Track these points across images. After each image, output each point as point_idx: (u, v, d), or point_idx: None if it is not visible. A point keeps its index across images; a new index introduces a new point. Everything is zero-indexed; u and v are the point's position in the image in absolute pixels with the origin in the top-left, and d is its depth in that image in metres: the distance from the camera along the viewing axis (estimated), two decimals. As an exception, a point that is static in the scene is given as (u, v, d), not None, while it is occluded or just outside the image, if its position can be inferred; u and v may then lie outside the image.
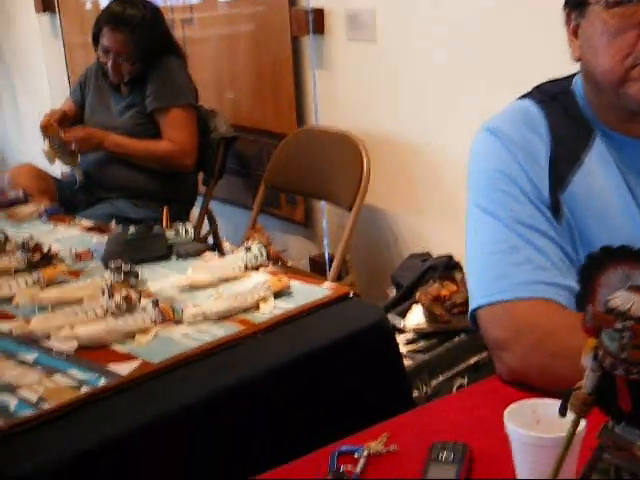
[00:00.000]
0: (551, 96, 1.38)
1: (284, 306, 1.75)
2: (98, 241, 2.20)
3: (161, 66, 3.00)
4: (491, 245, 1.31)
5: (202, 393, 1.48)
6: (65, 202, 2.84)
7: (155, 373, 1.52)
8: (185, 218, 3.17)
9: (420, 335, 2.16)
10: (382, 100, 2.77)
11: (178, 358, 1.56)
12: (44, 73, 4.34)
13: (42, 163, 3.00)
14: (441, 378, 2.12)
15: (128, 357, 1.58)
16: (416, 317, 2.19)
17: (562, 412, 0.81)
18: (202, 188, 3.22)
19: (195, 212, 3.16)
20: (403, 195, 2.78)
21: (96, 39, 3.00)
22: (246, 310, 1.74)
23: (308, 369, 1.59)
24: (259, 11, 3.13)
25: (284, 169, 2.96)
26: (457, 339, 2.16)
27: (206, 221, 3.22)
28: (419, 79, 2.64)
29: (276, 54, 3.09)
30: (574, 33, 1.30)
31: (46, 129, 2.88)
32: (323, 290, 1.81)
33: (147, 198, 3.04)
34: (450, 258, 2.29)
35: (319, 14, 2.89)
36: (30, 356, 1.61)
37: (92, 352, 1.61)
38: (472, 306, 1.31)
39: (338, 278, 2.67)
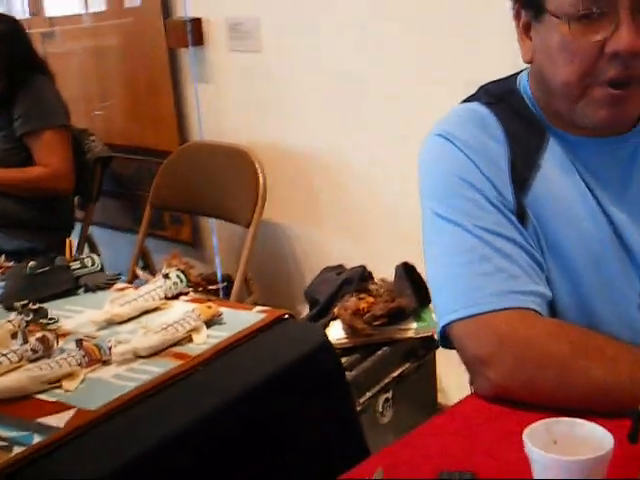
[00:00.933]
0: (498, 97, 1.34)
1: (218, 334, 1.64)
2: (-11, 279, 2.00)
3: (28, 85, 2.79)
4: (458, 256, 1.25)
5: (150, 441, 1.35)
6: None
7: (95, 422, 1.38)
8: (62, 246, 2.96)
9: (342, 351, 2.10)
10: (271, 111, 2.70)
11: (117, 403, 1.42)
12: None
13: None
14: (368, 394, 2.07)
15: (59, 406, 1.42)
16: (336, 332, 2.13)
17: (633, 439, 0.76)
18: (78, 213, 3.03)
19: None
20: (301, 207, 2.71)
21: None
22: (178, 343, 1.62)
23: (263, 399, 1.49)
24: (129, 23, 2.98)
25: (170, 188, 2.83)
26: (380, 352, 2.12)
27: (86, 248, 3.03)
28: (310, 88, 2.58)
29: (151, 67, 2.95)
30: (525, 31, 1.27)
31: None
32: (256, 314, 1.72)
33: (20, 227, 2.82)
34: (364, 269, 2.24)
35: (197, 24, 2.78)
36: None
37: (13, 405, 1.44)
38: (442, 322, 1.24)
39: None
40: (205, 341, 1.62)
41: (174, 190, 2.83)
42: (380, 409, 2.07)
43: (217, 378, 1.51)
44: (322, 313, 2.19)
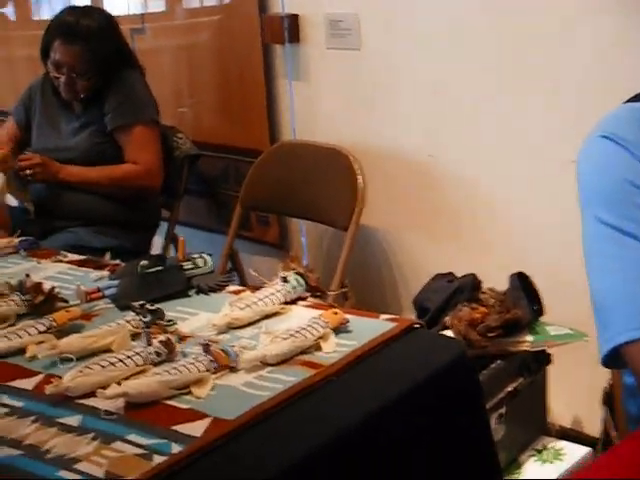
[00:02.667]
0: None
1: (347, 343, 1.57)
2: (97, 276, 1.95)
3: (120, 80, 2.75)
4: (633, 270, 1.16)
5: (295, 453, 1.28)
6: (18, 233, 2.53)
7: (234, 432, 1.31)
8: (148, 245, 2.93)
9: (454, 362, 2.01)
10: (368, 111, 2.62)
11: (254, 412, 1.35)
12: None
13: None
14: (482, 408, 1.98)
15: (193, 414, 1.36)
16: (447, 343, 2.04)
17: None
18: (163, 211, 2.98)
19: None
20: (398, 212, 2.63)
21: (45, 52, 2.72)
22: (306, 350, 1.54)
23: (398, 415, 1.41)
24: (223, 19, 2.92)
25: (261, 188, 2.76)
26: (494, 366, 2.02)
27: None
28: (409, 87, 2.50)
29: (243, 64, 2.89)
30: None
31: (4, 163, 2.57)
32: (384, 323, 1.63)
33: (109, 225, 2.77)
34: (474, 277, 2.15)
35: (294, 20, 2.71)
36: (73, 420, 1.36)
37: (144, 410, 1.38)
38: (615, 341, 1.15)
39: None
40: (334, 349, 1.54)
41: (265, 190, 2.76)
42: (493, 425, 1.98)
43: (351, 390, 1.44)
44: (432, 322, 2.10)
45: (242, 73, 2.90)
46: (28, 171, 2.63)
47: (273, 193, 2.74)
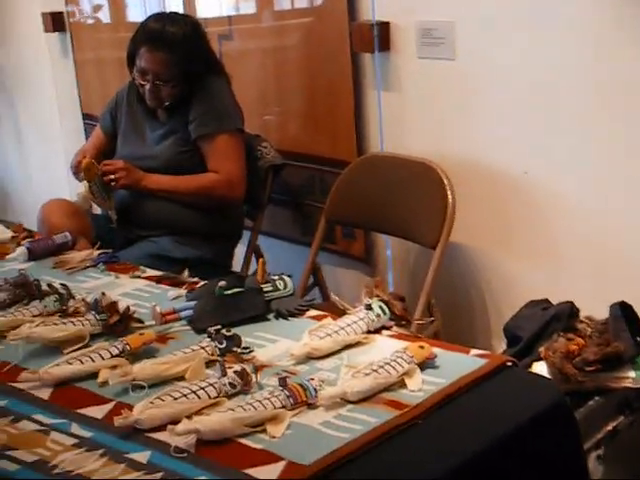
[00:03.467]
0: None
1: (434, 381, 1.46)
2: (174, 295, 1.89)
3: (205, 88, 2.69)
4: None
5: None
6: (101, 241, 2.50)
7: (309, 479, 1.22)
8: (229, 256, 2.86)
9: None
10: (461, 124, 2.49)
11: (333, 458, 1.25)
12: (52, 97, 4.00)
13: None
14: (578, 449, 1.84)
15: (267, 456, 1.27)
16: (541, 376, 1.90)
17: None
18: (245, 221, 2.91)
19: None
20: (489, 231, 2.49)
21: (131, 59, 2.68)
22: (389, 387, 1.44)
23: (488, 465, 1.30)
24: (311, 22, 2.84)
25: (347, 201, 2.66)
26: (592, 402, 1.88)
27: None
28: (506, 100, 2.36)
29: (331, 72, 2.79)
30: None
31: (88, 171, 2.54)
32: (474, 359, 1.52)
33: (190, 235, 2.71)
34: (572, 305, 2.01)
35: (385, 28, 2.61)
36: (141, 456, 1.30)
37: (216, 449, 1.30)
38: None
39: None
40: (420, 388, 1.44)
41: (350, 204, 2.66)
42: (591, 467, 1.84)
43: (439, 435, 1.33)
44: (524, 352, 1.97)
45: (330, 81, 2.81)
46: (112, 176, 2.59)
47: (359, 207, 2.64)
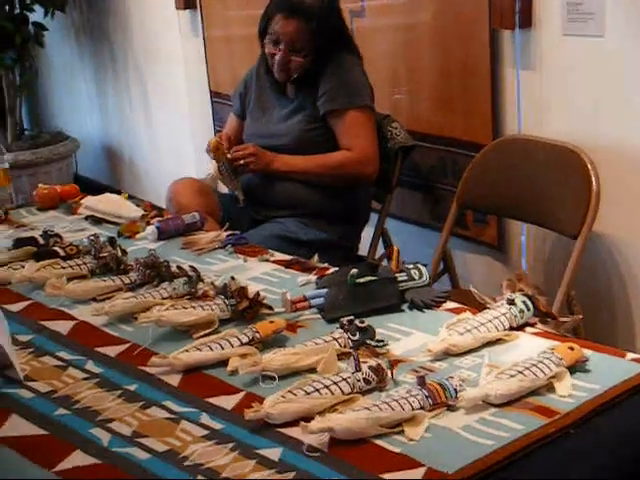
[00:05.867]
0: None
1: (586, 386, 1.34)
2: (304, 281, 1.83)
3: (336, 64, 2.61)
4: None
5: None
6: (229, 221, 2.47)
7: (451, 489, 1.13)
8: (355, 239, 2.79)
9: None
10: (609, 107, 2.32)
11: (478, 467, 1.16)
12: (180, 75, 4.01)
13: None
14: None
15: (406, 462, 1.19)
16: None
17: None
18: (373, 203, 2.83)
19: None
20: (637, 221, 2.33)
21: (263, 31, 2.63)
22: (535, 391, 1.34)
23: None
24: (448, -1, 2.71)
25: (480, 186, 2.53)
26: None
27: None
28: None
29: (467, 49, 2.66)
30: None
31: (217, 151, 2.53)
32: (631, 365, 1.39)
33: (317, 217, 2.65)
34: None
35: (527, 3, 2.46)
36: (272, 452, 1.24)
37: (350, 449, 1.23)
38: None
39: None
40: (570, 393, 1.32)
41: (484, 189, 2.53)
42: None
43: (592, 448, 1.22)
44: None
45: (466, 59, 2.67)
46: (242, 161, 2.56)
47: (493, 192, 2.51)
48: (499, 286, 1.67)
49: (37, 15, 4.40)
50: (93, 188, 3.16)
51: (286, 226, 2.62)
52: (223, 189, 2.84)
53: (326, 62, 2.60)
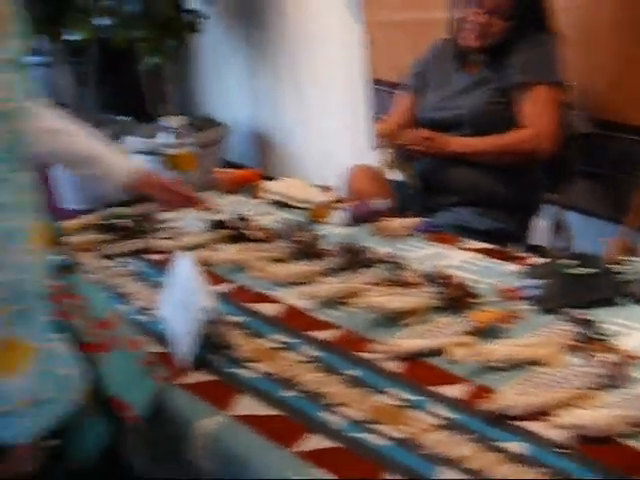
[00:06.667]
0: None
1: None
2: (511, 271, 1.77)
3: (532, 39, 2.50)
4: None
5: None
6: (400, 208, 2.43)
7: None
8: (528, 228, 2.70)
9: None
10: None
11: None
12: (336, 59, 3.98)
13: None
14: None
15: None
16: None
17: None
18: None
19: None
20: None
21: None
22: None
23: None
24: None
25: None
26: None
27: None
28: None
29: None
30: None
31: (388, 137, 2.49)
32: None
33: (491, 205, 2.57)
34: None
35: None
36: (514, 446, 1.20)
37: (597, 448, 1.18)
38: None
39: None
40: None
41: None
42: None
43: None
44: None
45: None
46: (415, 147, 2.51)
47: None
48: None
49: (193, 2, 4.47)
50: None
51: (460, 215, 2.56)
52: (393, 176, 2.80)
53: (525, 33, 2.50)
